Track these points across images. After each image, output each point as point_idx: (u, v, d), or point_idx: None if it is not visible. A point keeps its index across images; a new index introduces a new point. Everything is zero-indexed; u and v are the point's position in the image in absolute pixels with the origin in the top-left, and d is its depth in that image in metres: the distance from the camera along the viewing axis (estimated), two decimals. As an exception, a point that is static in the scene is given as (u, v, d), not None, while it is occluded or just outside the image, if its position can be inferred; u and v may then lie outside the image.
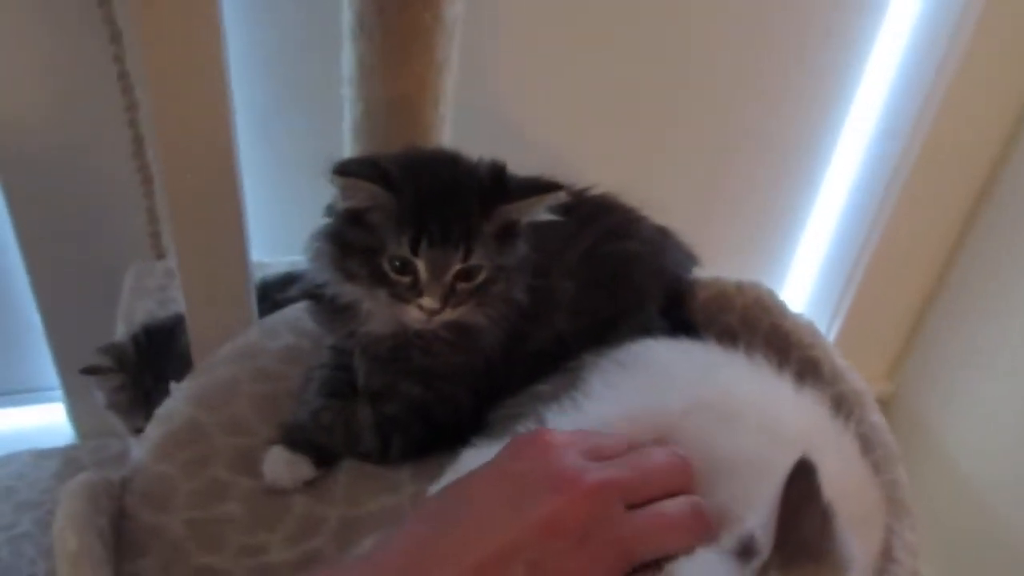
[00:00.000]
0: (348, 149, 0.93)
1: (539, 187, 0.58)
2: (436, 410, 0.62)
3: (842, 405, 0.55)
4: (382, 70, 0.90)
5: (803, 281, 1.47)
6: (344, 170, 0.56)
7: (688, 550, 0.43)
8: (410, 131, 0.91)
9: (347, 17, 0.88)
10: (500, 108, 1.06)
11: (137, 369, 0.91)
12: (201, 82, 0.68)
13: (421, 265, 0.56)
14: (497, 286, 0.58)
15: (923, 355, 1.45)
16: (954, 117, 1.20)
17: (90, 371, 0.90)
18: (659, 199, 0.68)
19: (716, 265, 0.72)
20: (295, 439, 0.60)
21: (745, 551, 0.41)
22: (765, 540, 0.40)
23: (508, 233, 0.59)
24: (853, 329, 1.42)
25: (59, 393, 1.27)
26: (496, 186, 0.58)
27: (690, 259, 0.71)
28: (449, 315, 0.57)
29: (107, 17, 0.92)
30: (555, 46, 1.07)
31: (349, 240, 0.58)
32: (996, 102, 1.21)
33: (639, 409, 0.52)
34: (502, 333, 0.61)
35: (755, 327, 0.65)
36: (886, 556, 0.49)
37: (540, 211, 0.59)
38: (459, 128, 0.92)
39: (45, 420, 1.32)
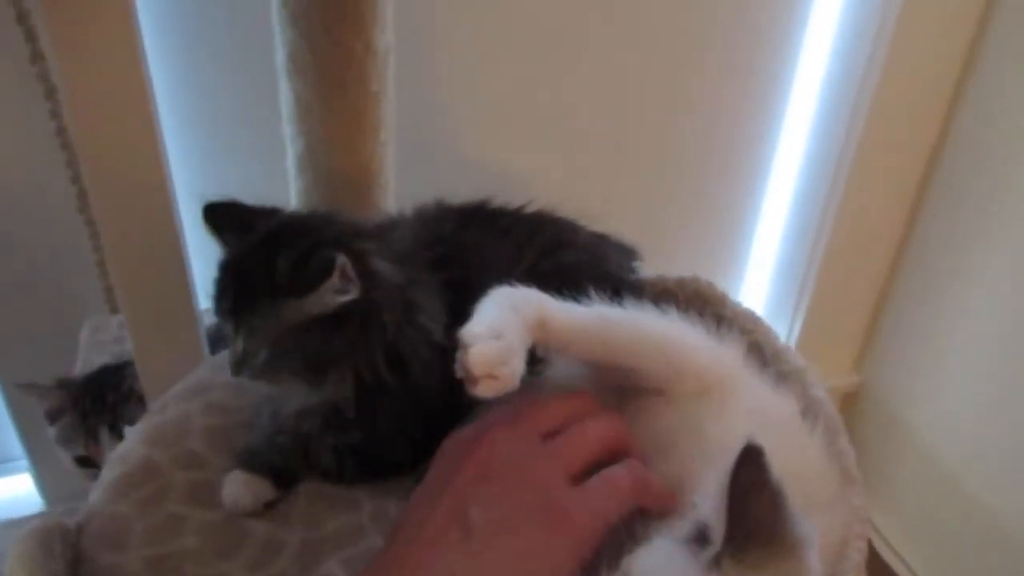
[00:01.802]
0: (293, 186, 0.92)
1: (314, 280, 0.53)
2: (384, 449, 0.61)
3: (784, 382, 0.55)
4: (319, 105, 0.89)
5: (760, 286, 1.47)
6: (207, 211, 0.58)
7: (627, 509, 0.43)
8: (352, 162, 0.91)
9: (280, 56, 0.88)
10: (442, 130, 1.05)
11: (79, 393, 0.91)
12: (131, 130, 0.67)
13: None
14: (282, 372, 0.56)
15: (886, 344, 1.45)
16: (886, 113, 1.21)
17: (26, 386, 0.90)
18: (608, 212, 0.67)
19: (670, 273, 0.72)
20: (252, 463, 0.58)
21: (700, 538, 0.40)
22: (717, 528, 0.39)
23: (320, 320, 0.54)
24: (814, 327, 1.41)
25: (24, 463, 1.23)
26: (291, 277, 0.54)
27: (630, 256, 0.70)
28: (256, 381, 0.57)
29: (41, 74, 0.91)
30: (493, 64, 1.06)
31: None
32: (927, 90, 1.22)
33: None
34: (387, 404, 0.58)
35: (698, 317, 0.65)
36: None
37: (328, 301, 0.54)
38: (403, 151, 0.91)
39: (12, 491, 1.29)
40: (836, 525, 0.48)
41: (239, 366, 0.56)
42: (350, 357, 0.56)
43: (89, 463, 0.90)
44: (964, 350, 1.26)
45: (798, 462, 0.48)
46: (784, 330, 1.44)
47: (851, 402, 1.52)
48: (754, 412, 0.51)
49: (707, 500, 0.40)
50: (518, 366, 0.45)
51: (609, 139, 1.16)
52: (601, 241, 0.69)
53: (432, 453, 0.55)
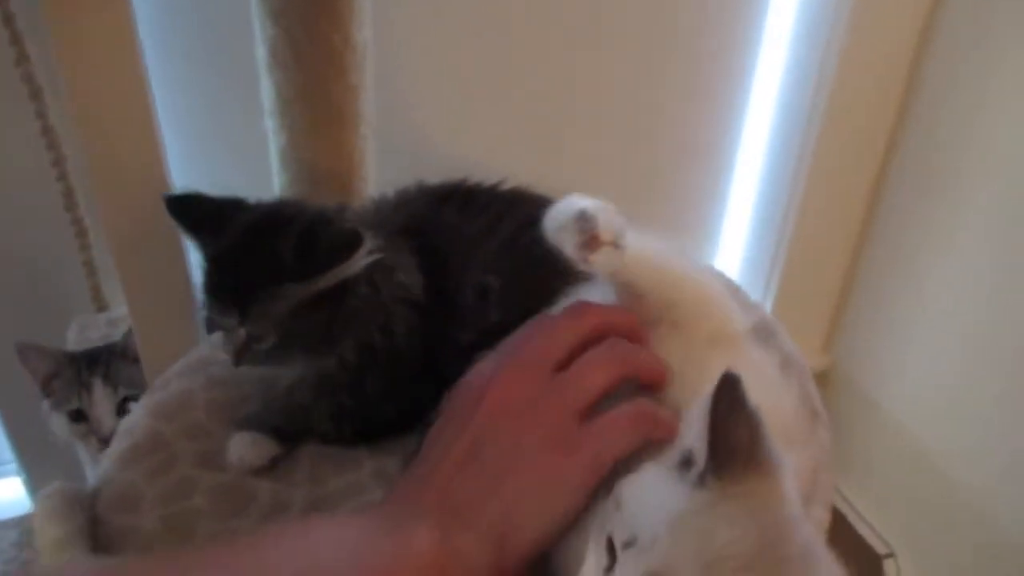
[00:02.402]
0: (277, 180, 0.95)
1: (339, 255, 0.56)
2: (375, 411, 0.64)
3: (763, 336, 0.58)
4: (300, 100, 0.92)
5: (729, 271, 1.48)
6: (169, 203, 0.59)
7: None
8: (335, 155, 0.93)
9: (261, 51, 0.91)
10: (420, 121, 1.08)
11: (75, 356, 0.95)
12: (128, 114, 0.69)
13: (220, 321, 0.58)
14: (294, 350, 0.58)
15: (854, 325, 1.47)
16: (844, 103, 1.24)
17: (27, 345, 0.93)
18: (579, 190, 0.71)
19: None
20: (255, 424, 0.61)
21: (685, 463, 0.44)
22: (700, 452, 0.43)
23: (326, 294, 0.57)
24: (783, 310, 1.44)
25: (13, 467, 1.24)
26: (298, 258, 0.57)
27: None
28: (260, 369, 0.59)
29: (26, 75, 0.93)
30: (467, 55, 1.09)
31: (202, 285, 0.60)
32: (883, 77, 1.25)
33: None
34: (375, 370, 0.61)
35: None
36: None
37: (352, 269, 0.57)
38: (383, 143, 0.94)
39: (2, 495, 1.30)
40: (806, 458, 0.52)
41: (240, 355, 0.57)
42: (352, 326, 0.58)
43: (82, 417, 0.92)
44: (931, 328, 1.29)
45: (780, 409, 0.52)
46: (753, 312, 1.47)
47: (821, 383, 1.53)
48: (749, 362, 0.54)
49: (690, 427, 0.44)
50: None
51: (581, 124, 1.19)
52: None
53: (423, 412, 0.59)
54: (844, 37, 1.18)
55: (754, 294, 1.46)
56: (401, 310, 0.60)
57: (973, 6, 1.15)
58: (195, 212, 0.60)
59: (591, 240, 0.47)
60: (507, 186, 0.71)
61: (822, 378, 1.54)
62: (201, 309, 0.60)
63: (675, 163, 1.32)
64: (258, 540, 0.47)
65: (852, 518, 1.47)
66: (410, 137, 1.07)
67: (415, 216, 0.66)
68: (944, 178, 1.23)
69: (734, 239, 1.46)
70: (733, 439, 0.41)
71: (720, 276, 0.56)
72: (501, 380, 0.50)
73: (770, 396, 0.48)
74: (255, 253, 0.57)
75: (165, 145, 0.83)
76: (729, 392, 0.42)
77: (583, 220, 0.47)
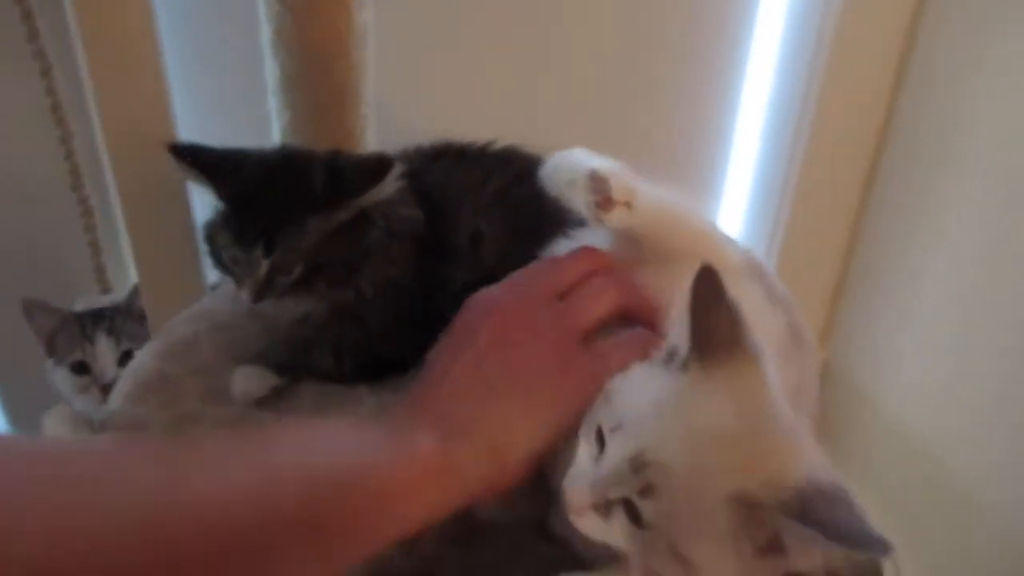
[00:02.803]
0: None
1: (371, 179, 0.60)
2: (381, 344, 0.66)
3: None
4: (303, 80, 0.95)
5: None
6: (177, 152, 0.61)
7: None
8: (336, 133, 0.96)
9: (265, 32, 0.94)
10: (419, 100, 1.11)
11: (80, 314, 0.97)
12: (143, 84, 0.73)
13: (240, 258, 0.60)
14: (320, 279, 0.60)
15: (848, 322, 1.47)
16: (836, 92, 1.26)
17: (33, 301, 0.95)
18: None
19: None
20: (258, 360, 0.64)
21: (670, 357, 0.47)
22: (683, 344, 0.46)
23: (357, 222, 0.61)
24: None
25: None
26: (327, 185, 0.60)
27: None
28: (286, 304, 0.61)
29: (37, 52, 0.96)
30: (463, 29, 1.13)
31: (210, 232, 0.63)
32: (871, 84, 1.28)
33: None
34: (390, 304, 0.63)
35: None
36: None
37: (383, 193, 0.61)
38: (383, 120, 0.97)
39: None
40: (792, 375, 0.54)
41: (262, 290, 0.59)
42: (369, 257, 0.61)
43: (84, 369, 0.94)
44: (926, 321, 1.29)
45: (766, 333, 0.55)
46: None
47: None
48: (739, 291, 0.57)
49: (674, 326, 0.47)
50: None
51: (574, 98, 1.21)
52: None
53: (421, 350, 0.62)
54: (833, 29, 1.21)
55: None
56: (407, 244, 0.62)
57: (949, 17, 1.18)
58: (203, 158, 0.62)
59: (605, 201, 0.50)
60: (498, 146, 0.74)
61: (818, 374, 1.54)
62: (213, 253, 0.62)
63: (663, 171, 1.34)
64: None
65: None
66: (409, 116, 1.10)
67: (412, 167, 0.68)
68: (935, 171, 1.25)
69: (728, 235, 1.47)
70: (713, 326, 0.44)
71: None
72: (506, 302, 0.53)
73: (757, 321, 0.50)
74: (282, 186, 0.60)
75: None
76: (708, 282, 0.45)
77: (597, 180, 0.50)
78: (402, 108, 1.08)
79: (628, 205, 0.50)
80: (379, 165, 0.60)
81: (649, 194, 0.53)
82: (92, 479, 0.38)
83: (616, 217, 0.50)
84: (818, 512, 0.40)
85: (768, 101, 1.34)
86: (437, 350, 0.53)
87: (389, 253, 0.62)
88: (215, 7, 1.02)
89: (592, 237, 0.60)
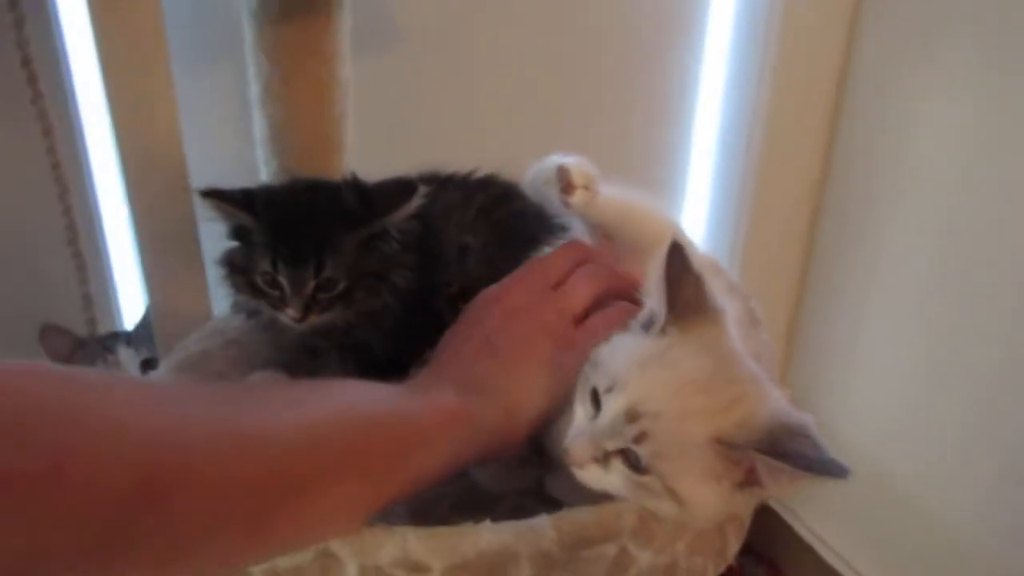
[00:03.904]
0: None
1: (401, 200, 0.65)
2: (383, 355, 0.71)
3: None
4: (290, 129, 1.02)
5: None
6: (210, 194, 0.65)
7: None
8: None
9: (254, 87, 1.01)
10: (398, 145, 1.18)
11: (94, 337, 1.00)
12: (157, 115, 0.79)
13: (283, 280, 0.64)
14: (359, 291, 0.65)
15: (805, 356, 1.49)
16: (777, 141, 1.33)
17: (46, 327, 0.97)
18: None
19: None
20: (269, 365, 0.68)
21: (647, 323, 0.53)
22: (659, 309, 0.52)
23: (376, 238, 0.66)
24: None
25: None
26: (359, 204, 0.66)
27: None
28: (316, 319, 0.65)
29: (40, 113, 1.01)
30: (436, 74, 1.20)
31: (235, 261, 0.67)
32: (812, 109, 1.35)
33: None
34: (398, 309, 0.68)
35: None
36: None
37: (407, 211, 0.66)
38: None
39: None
40: (751, 347, 0.61)
41: (308, 307, 0.64)
42: (390, 269, 0.66)
43: None
44: (881, 352, 1.32)
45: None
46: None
47: None
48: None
49: (650, 295, 0.53)
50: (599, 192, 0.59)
51: (540, 133, 1.27)
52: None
53: (419, 354, 0.67)
54: (775, 56, 1.29)
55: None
56: (413, 255, 0.68)
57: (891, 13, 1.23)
58: (236, 196, 0.66)
59: (567, 186, 0.58)
60: (479, 173, 0.80)
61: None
62: (242, 280, 0.66)
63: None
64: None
65: (817, 546, 1.48)
66: (386, 161, 1.17)
67: None
68: (882, 196, 1.29)
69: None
70: (684, 293, 0.51)
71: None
72: (510, 291, 0.61)
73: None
74: (320, 210, 0.65)
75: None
76: (677, 256, 0.51)
77: (561, 171, 0.60)
78: (380, 154, 1.15)
79: (587, 188, 0.60)
80: (406, 187, 0.66)
81: (614, 191, 0.63)
82: (181, 404, 0.43)
83: (578, 198, 0.60)
84: (785, 446, 0.46)
85: (714, 156, 1.41)
86: (449, 334, 0.60)
87: (404, 263, 0.67)
88: (205, 61, 1.08)
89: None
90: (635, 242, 0.64)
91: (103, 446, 0.37)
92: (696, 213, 1.46)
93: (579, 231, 0.68)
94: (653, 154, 1.40)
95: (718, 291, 0.63)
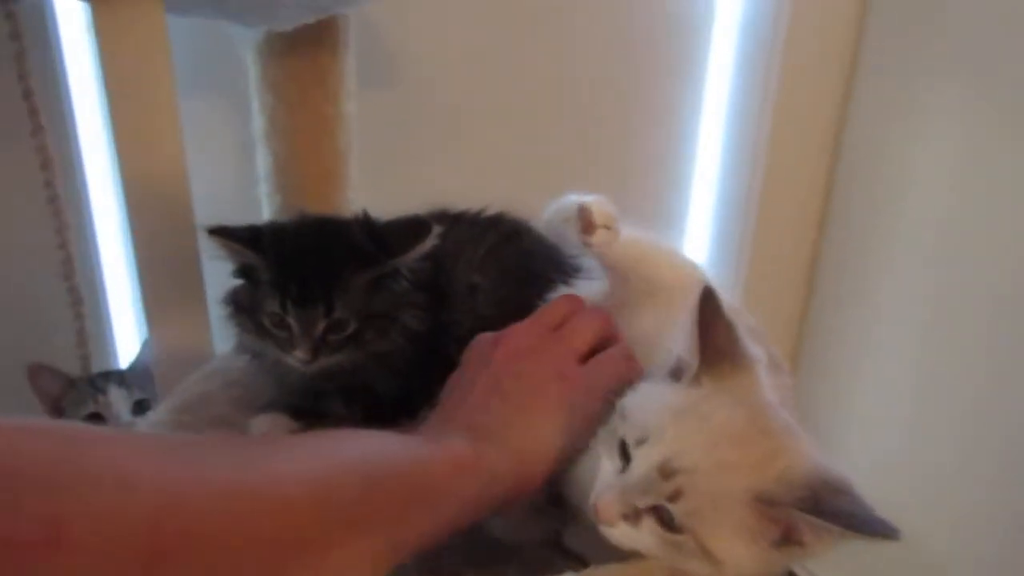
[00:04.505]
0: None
1: (415, 240, 0.62)
2: (390, 395, 0.68)
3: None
4: (294, 164, 0.99)
5: None
6: (217, 232, 0.62)
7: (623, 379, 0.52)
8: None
9: (258, 122, 0.98)
10: (401, 179, 1.16)
11: (86, 377, 0.96)
12: (162, 151, 0.76)
13: (292, 321, 0.61)
14: (370, 332, 0.62)
15: (808, 382, 1.47)
16: (778, 167, 1.33)
17: (39, 366, 0.93)
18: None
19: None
20: (273, 407, 0.65)
21: (676, 372, 0.50)
22: (690, 356, 0.49)
23: (387, 277, 0.63)
24: None
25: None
26: (372, 244, 0.63)
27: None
28: (325, 362, 0.62)
29: (39, 146, 0.98)
30: (439, 106, 1.18)
31: (240, 300, 0.64)
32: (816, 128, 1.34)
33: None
34: (408, 350, 0.65)
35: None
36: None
37: (420, 252, 0.63)
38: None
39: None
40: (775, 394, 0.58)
41: (318, 348, 0.60)
42: (401, 309, 0.64)
43: (98, 418, 0.92)
44: (884, 379, 1.31)
45: None
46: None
47: None
48: None
49: (678, 342, 0.50)
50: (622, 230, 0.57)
51: (546, 143, 1.27)
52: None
53: (427, 395, 0.64)
54: (776, 82, 1.28)
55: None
56: (423, 294, 0.65)
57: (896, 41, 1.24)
58: (244, 234, 0.63)
59: (587, 225, 0.56)
60: (489, 212, 0.78)
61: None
62: (248, 320, 0.63)
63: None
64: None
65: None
66: (390, 198, 1.15)
67: None
68: (881, 227, 1.29)
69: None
70: (717, 341, 0.48)
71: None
72: (511, 333, 0.58)
73: None
74: (330, 249, 0.62)
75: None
76: (709, 303, 0.48)
77: (582, 210, 0.57)
78: (384, 191, 1.12)
79: (607, 227, 0.57)
80: (420, 226, 0.63)
81: (634, 232, 0.61)
82: (187, 459, 0.40)
83: (599, 238, 0.57)
84: (829, 504, 0.43)
85: (718, 178, 1.40)
86: (454, 378, 0.58)
87: (415, 302, 0.65)
88: (208, 96, 1.06)
89: (588, 284, 0.64)
90: (653, 285, 0.61)
91: (105, 509, 0.34)
92: (699, 236, 1.44)
93: (595, 271, 0.66)
94: (656, 181, 1.39)
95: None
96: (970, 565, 1.16)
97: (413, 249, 0.63)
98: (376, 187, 1.05)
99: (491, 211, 0.78)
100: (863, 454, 1.36)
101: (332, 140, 0.99)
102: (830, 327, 1.43)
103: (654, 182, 1.38)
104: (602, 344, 0.59)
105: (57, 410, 0.94)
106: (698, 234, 1.44)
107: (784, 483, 0.44)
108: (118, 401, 0.91)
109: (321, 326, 0.61)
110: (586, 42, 1.25)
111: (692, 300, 0.49)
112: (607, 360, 0.57)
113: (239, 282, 0.66)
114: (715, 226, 1.43)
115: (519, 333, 0.58)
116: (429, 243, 0.63)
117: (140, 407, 0.92)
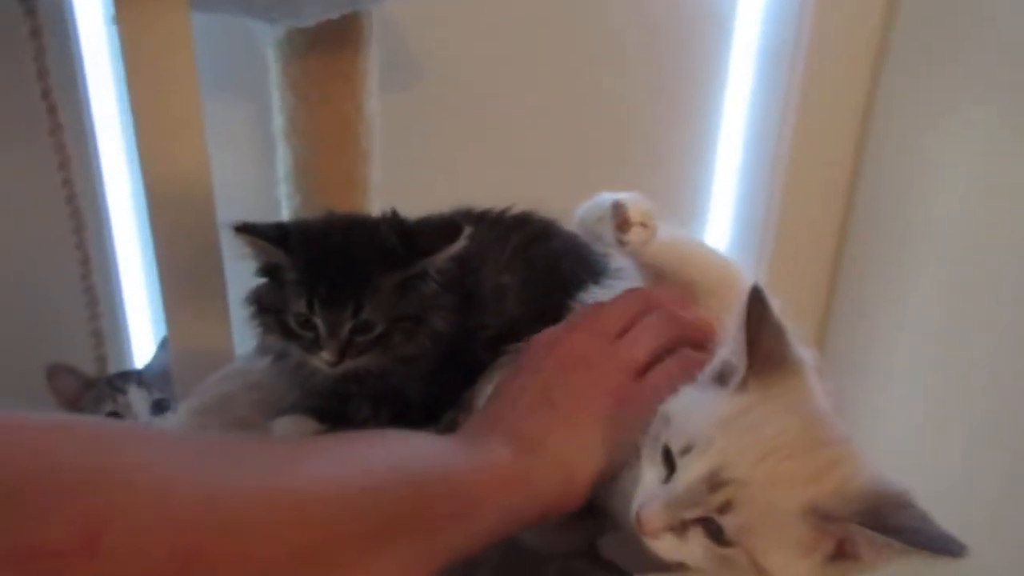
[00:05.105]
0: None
1: (445, 240, 0.60)
2: (418, 399, 0.66)
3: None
4: (314, 164, 0.97)
5: None
6: (244, 229, 0.59)
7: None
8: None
9: (278, 120, 0.96)
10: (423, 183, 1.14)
11: (104, 378, 0.95)
12: (187, 156, 0.74)
13: (319, 322, 0.58)
14: (397, 334, 0.60)
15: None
16: (799, 182, 1.31)
17: (55, 367, 0.92)
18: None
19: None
20: (296, 408, 0.62)
21: (722, 376, 0.47)
22: (738, 360, 0.46)
23: (415, 279, 0.61)
24: None
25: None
26: (401, 245, 0.60)
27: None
28: (351, 364, 0.60)
29: (57, 145, 0.96)
30: (463, 112, 1.16)
31: (265, 300, 0.62)
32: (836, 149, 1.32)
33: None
34: (435, 353, 0.63)
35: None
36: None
37: (450, 253, 0.61)
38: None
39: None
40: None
41: (344, 350, 0.58)
42: (430, 312, 0.61)
43: (117, 418, 0.90)
44: (901, 398, 1.29)
45: None
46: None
47: None
48: None
49: (726, 344, 0.48)
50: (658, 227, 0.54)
51: (566, 161, 1.24)
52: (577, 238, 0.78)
53: (454, 399, 0.62)
54: (798, 92, 1.25)
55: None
56: (452, 297, 0.63)
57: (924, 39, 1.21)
58: (271, 232, 0.61)
59: (623, 222, 0.53)
60: (514, 211, 0.76)
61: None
62: (273, 320, 0.61)
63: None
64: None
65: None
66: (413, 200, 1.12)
67: None
68: (898, 246, 1.27)
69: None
70: (766, 345, 0.45)
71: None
72: (569, 338, 0.55)
73: None
74: (359, 249, 0.60)
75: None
76: (757, 304, 0.46)
77: (617, 207, 0.54)
78: (406, 192, 1.10)
79: (644, 225, 0.54)
80: (451, 227, 0.61)
81: (670, 230, 0.57)
82: (221, 464, 0.38)
83: (635, 236, 0.54)
84: (890, 519, 0.40)
85: (735, 195, 1.38)
86: (504, 381, 0.55)
87: (443, 305, 0.62)
88: (229, 94, 1.04)
89: (621, 284, 0.62)
90: (693, 285, 0.58)
91: (142, 513, 0.32)
92: (719, 235, 1.42)
93: (630, 271, 0.63)
94: (676, 179, 1.37)
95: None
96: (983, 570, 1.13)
97: (444, 250, 0.60)
98: (399, 187, 1.03)
99: (516, 210, 0.76)
100: (882, 455, 1.33)
101: (354, 140, 0.97)
102: (851, 328, 1.41)
103: (674, 180, 1.36)
104: (669, 347, 0.55)
105: (75, 410, 0.92)
106: (718, 233, 1.41)
107: (841, 496, 0.41)
108: (137, 401, 0.90)
109: (348, 327, 0.58)
110: (609, 38, 1.22)
111: (737, 301, 0.46)
112: (666, 373, 0.53)
113: (261, 281, 0.63)
114: (735, 226, 1.40)
115: (576, 339, 0.55)
116: (460, 244, 0.61)
117: (159, 407, 0.90)
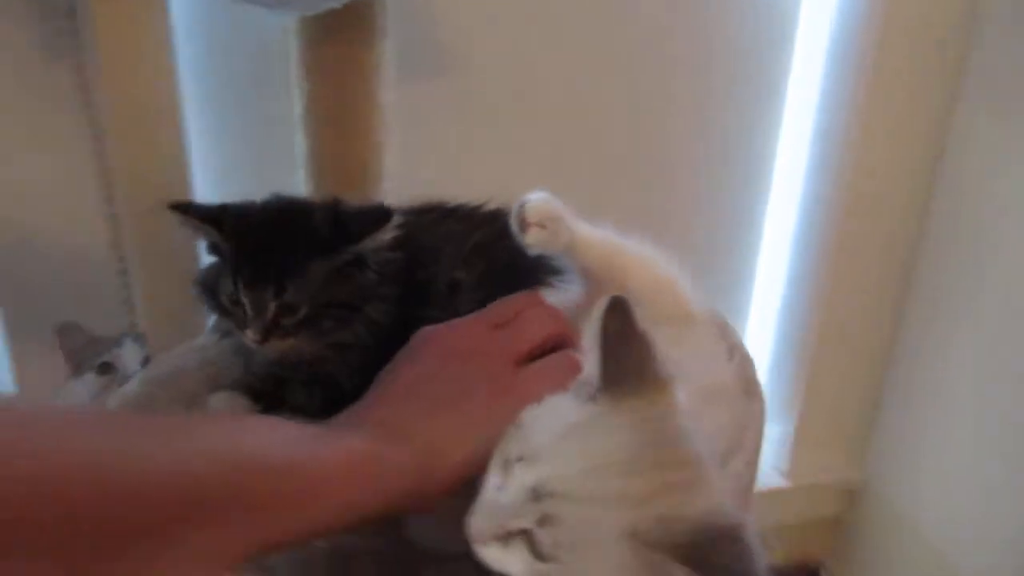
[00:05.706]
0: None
1: (373, 227, 0.61)
2: (346, 389, 0.66)
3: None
4: (330, 153, 0.99)
5: None
6: (178, 207, 0.62)
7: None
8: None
9: (297, 107, 0.98)
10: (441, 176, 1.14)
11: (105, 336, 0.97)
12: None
13: (245, 300, 0.60)
14: (327, 320, 0.61)
15: (885, 440, 1.38)
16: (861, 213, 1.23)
17: (65, 325, 0.95)
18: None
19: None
20: (237, 386, 0.64)
21: (582, 385, 0.45)
22: (594, 373, 0.44)
23: (350, 266, 0.62)
24: (812, 424, 1.36)
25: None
26: (332, 230, 0.61)
27: None
28: (281, 344, 0.61)
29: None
30: (487, 107, 1.15)
31: (208, 279, 0.63)
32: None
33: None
34: (372, 343, 0.63)
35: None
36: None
37: (380, 240, 0.61)
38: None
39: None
40: (733, 417, 0.52)
41: (269, 331, 0.60)
42: (365, 299, 0.62)
43: (109, 369, 0.95)
44: (964, 441, 1.21)
45: (716, 376, 0.56)
46: (781, 428, 1.37)
47: (853, 500, 1.42)
48: (695, 337, 0.57)
49: (585, 355, 0.45)
50: (564, 232, 0.54)
51: (594, 140, 1.21)
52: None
53: None
54: (859, 142, 1.19)
55: (780, 407, 1.38)
56: (393, 287, 0.63)
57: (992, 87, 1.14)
58: (205, 211, 0.63)
59: (522, 223, 0.54)
60: (489, 206, 0.75)
61: (853, 495, 1.42)
62: (212, 299, 0.63)
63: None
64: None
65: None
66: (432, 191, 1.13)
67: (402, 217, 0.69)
68: (966, 289, 1.20)
69: (758, 352, 1.35)
70: (624, 358, 0.43)
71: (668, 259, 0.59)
72: (449, 330, 0.55)
73: (709, 364, 0.54)
74: (288, 232, 0.61)
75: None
76: (618, 316, 0.43)
77: (519, 207, 0.55)
78: (422, 183, 1.10)
79: (542, 226, 0.54)
80: (380, 214, 0.61)
81: (601, 234, 0.57)
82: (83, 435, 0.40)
83: (533, 236, 0.54)
84: (713, 556, 0.37)
85: (793, 233, 1.31)
86: (382, 372, 0.55)
87: (382, 295, 0.62)
88: (246, 84, 1.07)
89: (566, 288, 0.61)
90: (627, 294, 0.56)
91: None
92: (774, 263, 1.36)
93: (572, 275, 0.62)
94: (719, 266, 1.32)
95: (711, 350, 0.56)
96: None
97: (370, 236, 0.60)
98: (416, 179, 1.03)
99: (491, 206, 0.74)
100: (931, 519, 1.28)
101: (367, 131, 0.97)
102: (916, 367, 1.33)
103: (727, 186, 1.30)
104: (551, 346, 0.54)
105: (77, 360, 0.97)
106: (773, 261, 1.34)
107: (665, 523, 0.38)
108: (129, 354, 0.94)
109: (273, 308, 0.60)
110: (646, 34, 1.18)
111: (668, 312, 0.44)
112: (548, 366, 0.52)
113: (213, 261, 0.65)
114: (793, 251, 1.32)
115: (457, 332, 0.55)
116: (388, 231, 0.61)
117: (148, 362, 0.94)
